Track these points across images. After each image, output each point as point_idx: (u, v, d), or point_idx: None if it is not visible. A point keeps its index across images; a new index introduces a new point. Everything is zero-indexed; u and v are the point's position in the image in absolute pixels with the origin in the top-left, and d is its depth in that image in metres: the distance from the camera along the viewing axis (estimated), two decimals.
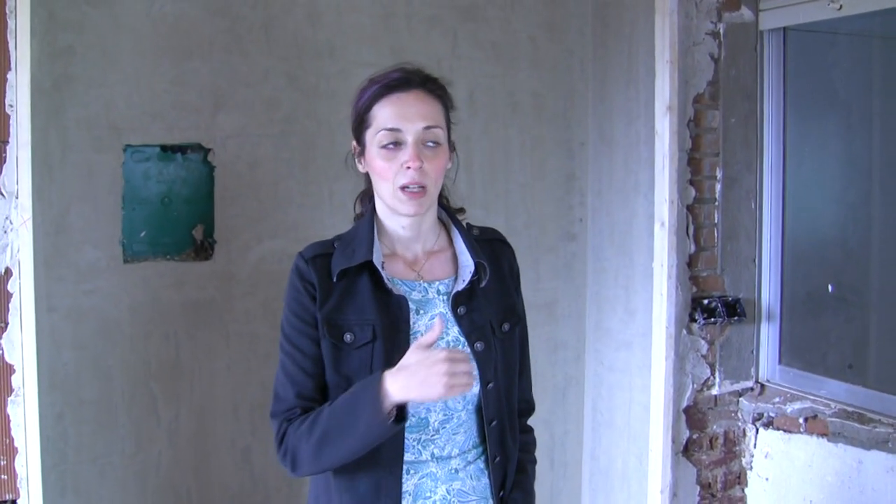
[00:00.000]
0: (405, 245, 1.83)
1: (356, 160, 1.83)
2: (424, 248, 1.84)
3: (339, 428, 1.64)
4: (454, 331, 1.77)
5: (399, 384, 1.58)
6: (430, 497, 1.75)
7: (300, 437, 1.68)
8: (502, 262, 1.90)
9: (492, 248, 1.88)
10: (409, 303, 1.76)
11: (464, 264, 1.82)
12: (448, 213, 1.90)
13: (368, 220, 1.83)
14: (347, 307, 1.75)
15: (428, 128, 1.72)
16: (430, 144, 1.73)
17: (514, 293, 1.91)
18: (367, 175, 1.83)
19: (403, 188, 1.70)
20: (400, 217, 1.78)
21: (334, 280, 1.75)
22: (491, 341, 1.79)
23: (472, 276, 1.79)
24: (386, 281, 1.75)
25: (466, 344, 1.76)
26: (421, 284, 1.80)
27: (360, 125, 1.78)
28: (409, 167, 1.69)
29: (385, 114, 1.73)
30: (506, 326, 1.84)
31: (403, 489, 1.73)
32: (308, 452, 1.67)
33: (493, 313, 1.82)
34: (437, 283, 1.81)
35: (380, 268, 1.75)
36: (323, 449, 1.66)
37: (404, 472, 1.73)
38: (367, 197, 1.88)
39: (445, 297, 1.79)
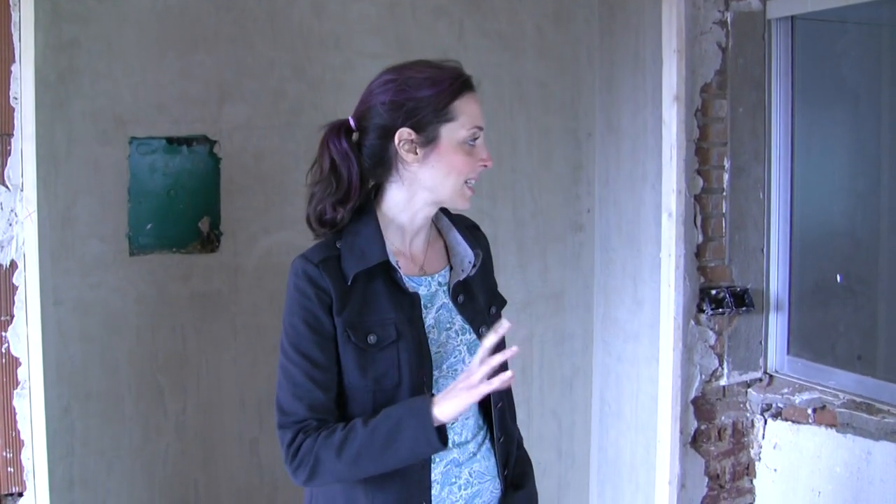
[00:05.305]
0: (409, 239, 1.82)
1: (408, 149, 1.72)
2: (427, 240, 1.86)
3: (379, 450, 1.62)
4: (458, 319, 1.80)
5: (448, 411, 1.60)
6: (455, 482, 1.77)
7: (327, 452, 1.63)
8: (481, 248, 1.93)
9: (473, 235, 1.91)
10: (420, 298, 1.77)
11: (462, 254, 1.84)
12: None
13: (372, 218, 1.78)
14: (366, 309, 1.72)
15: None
16: None
17: (492, 277, 1.97)
18: (386, 168, 1.76)
19: (467, 183, 1.76)
20: (427, 207, 1.79)
21: (348, 283, 1.72)
22: (489, 325, 1.80)
23: (472, 266, 1.83)
24: (401, 280, 1.74)
25: (471, 330, 1.79)
26: (426, 279, 1.81)
27: (436, 116, 1.71)
28: (485, 165, 1.76)
29: (471, 110, 1.73)
30: (493, 309, 1.89)
31: (432, 478, 1.75)
32: (337, 468, 1.64)
33: (484, 298, 1.87)
34: (437, 275, 1.83)
35: (396, 267, 1.74)
36: (355, 466, 1.64)
37: (430, 461, 1.75)
38: (374, 192, 1.82)
39: (445, 289, 1.82)
